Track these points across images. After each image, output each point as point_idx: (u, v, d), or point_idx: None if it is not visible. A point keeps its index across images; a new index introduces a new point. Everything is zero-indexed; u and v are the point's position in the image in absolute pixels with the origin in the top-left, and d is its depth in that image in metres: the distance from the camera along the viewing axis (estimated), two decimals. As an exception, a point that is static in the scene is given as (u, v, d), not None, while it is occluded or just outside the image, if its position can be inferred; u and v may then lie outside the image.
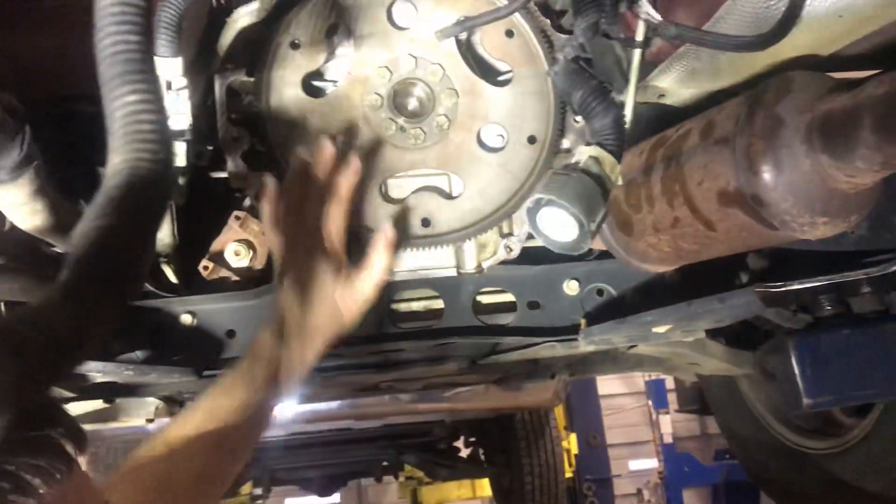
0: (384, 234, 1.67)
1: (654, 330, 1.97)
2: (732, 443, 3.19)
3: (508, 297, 2.09)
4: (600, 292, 2.09)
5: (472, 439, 6.79)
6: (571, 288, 2.06)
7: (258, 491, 8.04)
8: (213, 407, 1.48)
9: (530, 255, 1.96)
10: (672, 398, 12.87)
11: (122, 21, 0.82)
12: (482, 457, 6.72)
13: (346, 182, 1.65)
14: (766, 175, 1.30)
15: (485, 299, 2.11)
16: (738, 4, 1.31)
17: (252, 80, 1.76)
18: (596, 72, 1.38)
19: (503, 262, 1.90)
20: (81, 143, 1.79)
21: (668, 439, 13.33)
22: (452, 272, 1.85)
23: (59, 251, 1.49)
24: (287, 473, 6.99)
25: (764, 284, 1.57)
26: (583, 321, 2.05)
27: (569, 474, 7.92)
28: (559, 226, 1.24)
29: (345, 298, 1.63)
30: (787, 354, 1.84)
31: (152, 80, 0.85)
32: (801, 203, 1.29)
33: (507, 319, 2.07)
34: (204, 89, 1.79)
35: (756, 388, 2.93)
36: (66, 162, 1.84)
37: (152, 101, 0.84)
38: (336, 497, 10.55)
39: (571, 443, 9.04)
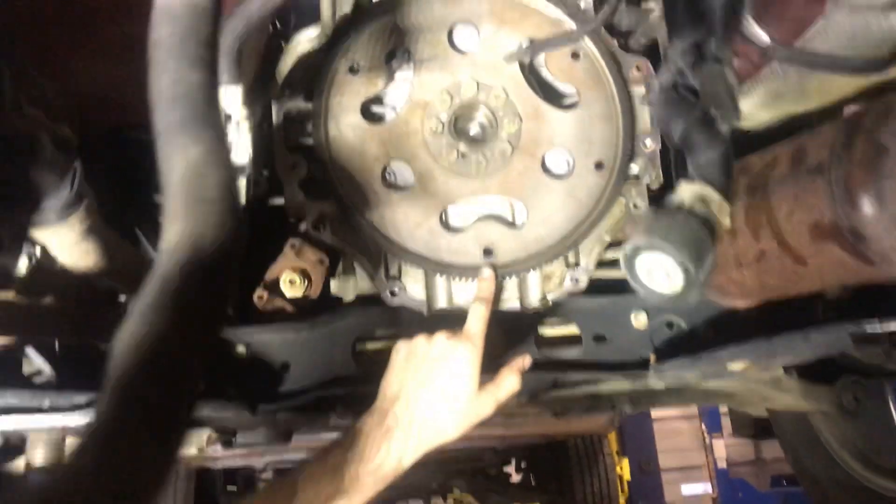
0: (523, 360, 1.64)
1: (730, 367, 1.85)
2: (804, 480, 3.02)
3: (573, 330, 1.99)
4: (670, 325, 1.98)
5: (524, 465, 6.65)
6: (640, 320, 1.95)
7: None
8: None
9: (595, 285, 1.87)
10: (725, 422, 12.50)
11: (184, 56, 0.71)
12: (534, 483, 6.57)
13: (490, 283, 1.65)
14: (867, 208, 1.18)
15: (547, 331, 2.01)
16: (833, 22, 1.21)
17: (310, 106, 1.71)
18: (702, 99, 1.26)
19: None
20: (141, 172, 1.76)
21: (721, 464, 12.94)
22: (515, 305, 1.77)
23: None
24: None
25: (857, 322, 1.45)
26: (652, 356, 1.94)
27: (622, 501, 7.71)
28: (662, 275, 1.14)
29: (465, 411, 1.54)
30: (884, 400, 1.71)
31: (219, 127, 0.72)
32: (906, 238, 1.17)
33: (571, 353, 1.97)
34: (261, 116, 1.74)
35: (832, 424, 2.76)
36: (124, 192, 1.81)
37: (219, 152, 0.70)
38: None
39: (624, 468, 8.82)
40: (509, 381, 1.59)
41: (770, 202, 1.34)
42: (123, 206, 1.78)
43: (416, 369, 1.56)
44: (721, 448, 12.65)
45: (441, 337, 1.58)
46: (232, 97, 1.12)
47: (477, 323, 1.60)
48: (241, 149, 1.17)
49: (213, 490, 5.75)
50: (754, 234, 1.40)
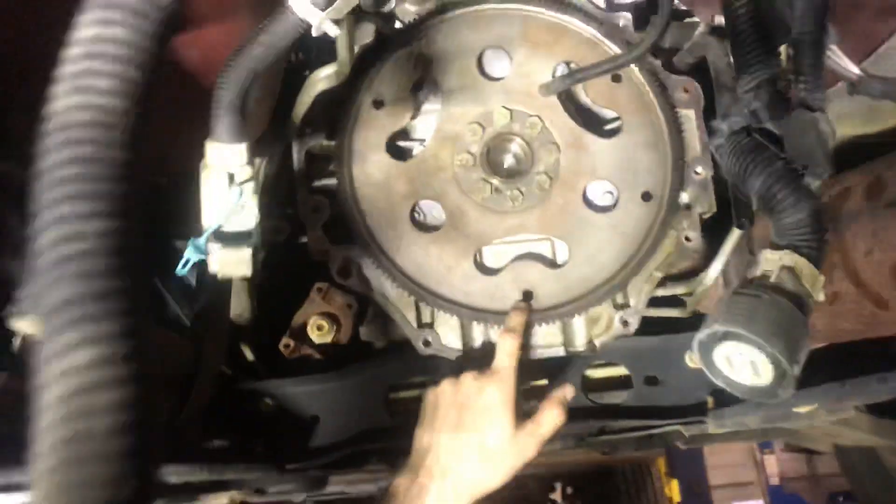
0: (563, 390, 1.50)
1: (797, 410, 1.70)
2: (876, 518, 2.82)
3: (622, 371, 1.85)
4: (728, 364, 1.82)
5: (570, 492, 6.47)
6: (695, 361, 1.79)
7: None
8: None
9: (646, 322, 1.72)
10: (778, 437, 12.11)
11: (79, 193, 0.51)
12: (580, 510, 6.40)
13: (520, 315, 1.53)
14: (963, 247, 1.03)
15: (595, 373, 1.87)
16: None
17: (333, 144, 1.60)
18: (788, 151, 1.08)
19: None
20: (151, 214, 1.67)
21: (774, 481, 12.54)
22: (560, 352, 1.63)
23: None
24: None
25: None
26: (710, 399, 1.79)
27: (672, 524, 7.48)
28: (745, 365, 0.98)
29: (503, 457, 1.41)
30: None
31: (130, 314, 0.51)
32: None
33: (620, 398, 1.83)
34: (281, 156, 1.64)
35: (904, 459, 2.57)
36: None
37: (123, 360, 0.51)
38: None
39: (673, 490, 8.56)
40: (551, 416, 1.45)
41: (845, 239, 1.19)
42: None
43: (444, 418, 1.44)
44: (773, 464, 12.26)
45: (467, 379, 1.45)
46: (236, 157, 1.02)
47: (506, 358, 1.47)
48: (247, 214, 1.05)
49: (254, 522, 5.65)
50: (825, 274, 1.24)
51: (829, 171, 1.06)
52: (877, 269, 1.15)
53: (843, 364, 1.64)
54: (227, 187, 1.03)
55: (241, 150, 1.02)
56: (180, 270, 1.04)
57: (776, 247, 1.03)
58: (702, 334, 0.99)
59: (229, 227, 1.06)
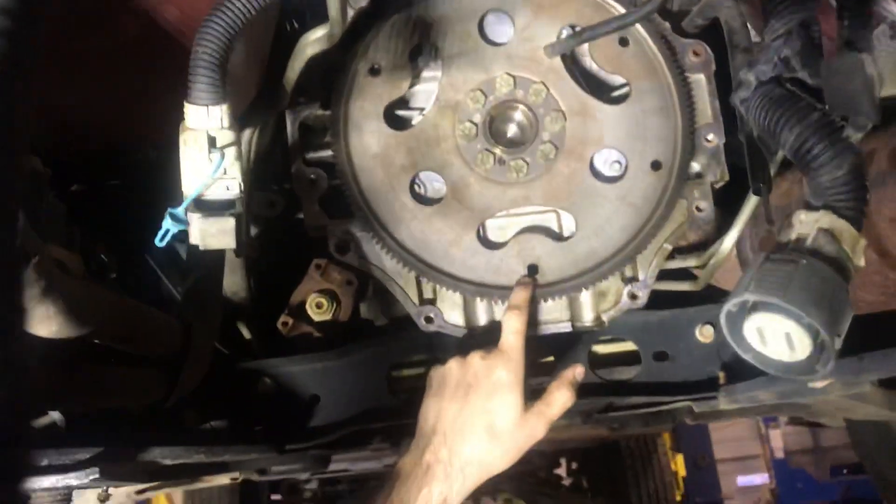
0: (574, 370, 1.46)
1: (812, 385, 1.64)
2: (888, 494, 2.78)
3: (630, 347, 1.79)
4: (740, 338, 1.77)
5: (575, 467, 6.45)
6: (705, 334, 1.74)
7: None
8: None
9: (654, 296, 1.66)
10: (782, 410, 12.13)
11: None
12: (586, 485, 6.37)
13: (524, 291, 1.48)
14: None
15: (602, 349, 1.81)
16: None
17: (328, 113, 1.53)
18: (828, 99, 0.98)
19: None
20: (146, 193, 1.61)
21: (778, 454, 12.58)
22: (567, 327, 1.57)
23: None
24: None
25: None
26: (721, 374, 1.73)
27: (678, 497, 7.47)
28: (779, 339, 0.90)
29: (511, 438, 1.37)
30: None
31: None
32: None
33: (629, 374, 1.77)
34: (275, 127, 1.58)
35: (917, 432, 2.53)
36: (132, 219, 1.66)
37: None
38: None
39: (678, 464, 8.56)
40: (560, 397, 1.42)
41: (868, 205, 1.12)
42: (131, 237, 1.63)
43: (451, 398, 1.40)
44: (778, 437, 12.30)
45: (475, 358, 1.40)
46: (215, 119, 0.95)
47: (513, 336, 1.42)
48: (230, 181, 0.99)
49: (258, 499, 5.66)
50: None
51: (876, 120, 0.99)
52: (903, 237, 1.09)
53: (860, 337, 1.58)
54: (208, 152, 0.97)
55: (221, 111, 0.96)
56: (158, 242, 0.98)
57: (812, 207, 0.96)
58: (730, 304, 0.90)
59: (211, 196, 1.00)
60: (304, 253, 1.84)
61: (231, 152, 0.98)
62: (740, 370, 1.74)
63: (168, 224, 0.98)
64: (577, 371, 1.46)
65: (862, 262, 0.90)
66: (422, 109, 1.59)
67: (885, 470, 2.73)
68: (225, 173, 0.99)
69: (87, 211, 1.65)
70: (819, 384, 1.64)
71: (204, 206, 1.00)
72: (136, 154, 1.63)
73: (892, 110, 1.30)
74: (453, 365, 1.42)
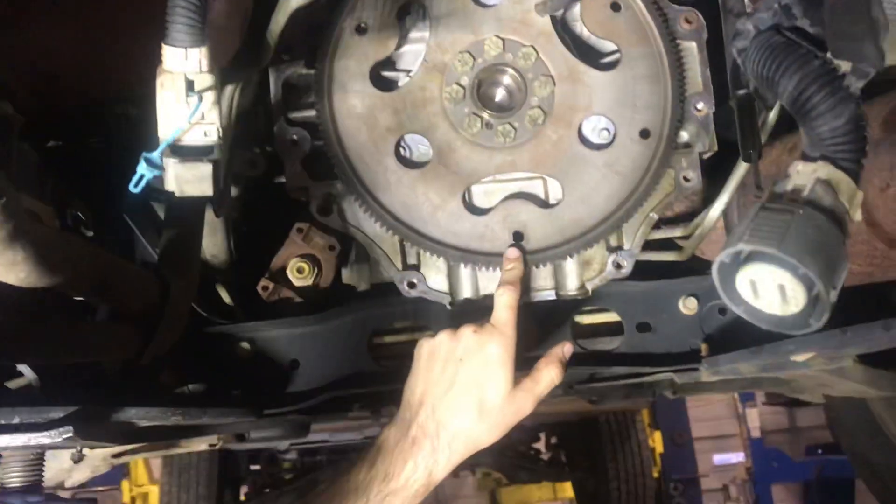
0: (562, 348, 1.45)
1: (794, 358, 1.63)
2: (863, 470, 2.81)
3: (613, 317, 1.78)
4: (723, 311, 1.76)
5: (554, 441, 6.49)
6: (689, 306, 1.74)
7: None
8: None
9: (638, 267, 1.65)
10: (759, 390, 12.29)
11: None
12: (564, 460, 6.42)
13: (517, 267, 1.48)
14: None
15: (585, 319, 1.80)
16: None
17: (312, 72, 1.50)
18: (830, 45, 0.95)
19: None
20: (129, 151, 1.57)
21: (755, 433, 12.73)
22: (550, 295, 1.56)
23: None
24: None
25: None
26: (703, 346, 1.73)
27: (655, 474, 7.56)
28: (772, 291, 0.88)
29: (499, 414, 1.36)
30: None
31: None
32: None
33: (612, 344, 1.76)
34: (258, 85, 1.54)
35: (893, 410, 2.54)
36: (113, 174, 1.62)
37: None
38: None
39: (656, 441, 8.66)
40: (548, 374, 1.41)
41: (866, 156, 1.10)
42: (110, 195, 1.59)
43: (441, 371, 1.38)
44: (755, 417, 12.44)
45: (467, 332, 1.38)
46: (194, 62, 0.91)
47: (505, 311, 1.41)
48: (208, 126, 0.96)
49: (237, 469, 5.67)
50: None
51: (880, 66, 0.96)
52: (892, 205, 1.08)
53: (844, 310, 1.58)
54: (185, 96, 0.93)
55: (200, 54, 0.92)
56: (132, 187, 0.95)
57: (809, 158, 0.94)
58: (724, 255, 0.87)
59: (188, 141, 0.97)
60: (286, 217, 1.81)
61: (209, 97, 0.95)
62: (722, 342, 1.74)
63: (143, 169, 0.94)
64: (566, 349, 1.45)
65: (859, 216, 0.89)
66: (408, 71, 1.56)
67: (861, 447, 2.75)
68: (203, 118, 0.96)
69: (64, 167, 1.61)
70: (801, 357, 1.64)
71: (180, 152, 0.97)
72: (117, 111, 1.59)
73: (885, 81, 1.29)
74: (444, 338, 1.40)
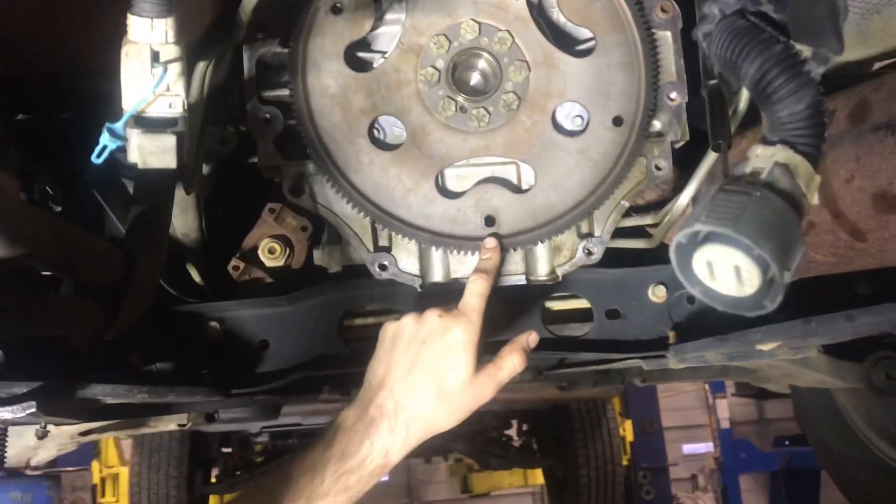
0: (528, 336, 1.44)
1: (759, 347, 1.66)
2: (826, 459, 2.85)
3: (583, 304, 1.80)
4: (691, 300, 1.79)
5: (525, 428, 6.53)
6: (658, 294, 1.76)
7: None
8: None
9: (608, 254, 1.66)
10: (730, 381, 12.44)
11: None
12: (535, 446, 6.46)
13: (492, 257, 1.47)
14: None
15: (555, 305, 1.82)
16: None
17: (286, 51, 1.49)
18: (791, 30, 0.96)
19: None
20: (91, 125, 1.55)
21: (725, 424, 12.89)
22: (521, 280, 1.57)
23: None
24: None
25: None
26: (671, 334, 1.75)
27: (624, 462, 7.63)
28: (728, 272, 0.88)
29: (459, 399, 1.36)
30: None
31: None
32: None
33: (581, 330, 1.78)
34: (232, 63, 1.53)
35: (858, 401, 2.59)
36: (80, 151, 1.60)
37: None
38: (385, 475, 10.41)
39: (627, 429, 8.74)
40: (511, 362, 1.41)
41: (824, 165, 1.12)
42: (78, 171, 1.57)
43: (403, 353, 1.37)
44: (724, 408, 12.60)
45: (432, 315, 1.38)
46: (159, 32, 0.90)
47: (474, 298, 1.41)
48: (174, 98, 0.95)
49: (209, 451, 5.64)
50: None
51: (839, 51, 0.97)
52: (857, 196, 1.09)
53: (808, 302, 1.60)
54: (150, 66, 0.92)
55: (166, 25, 0.91)
56: (95, 158, 0.94)
57: (769, 142, 0.95)
58: (681, 235, 0.87)
59: (153, 113, 0.96)
60: (258, 197, 1.81)
61: (175, 68, 0.94)
62: (690, 330, 1.76)
63: (105, 140, 0.93)
64: (531, 338, 1.45)
65: (816, 200, 0.90)
66: (384, 52, 1.55)
67: (824, 437, 2.80)
68: (168, 90, 0.95)
69: (33, 142, 1.59)
70: (767, 346, 1.66)
71: (144, 123, 0.96)
72: (87, 86, 1.57)
73: (852, 75, 1.30)
74: (409, 321, 1.39)
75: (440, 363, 1.35)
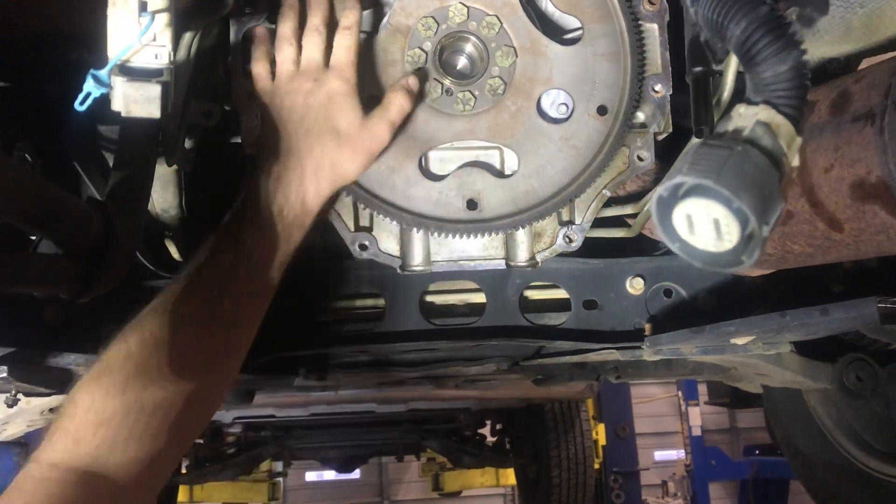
0: (407, 79, 1.47)
1: (734, 341, 1.68)
2: (794, 460, 2.88)
3: (561, 294, 1.81)
4: (668, 293, 1.81)
5: (499, 427, 6.55)
6: (635, 286, 1.78)
7: (278, 467, 7.92)
8: (196, 277, 1.28)
9: (588, 244, 1.67)
10: (703, 390, 12.53)
11: None
12: (508, 446, 6.48)
13: (354, 11, 1.46)
14: (927, 164, 0.99)
15: (533, 295, 1.83)
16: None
17: (274, 27, 1.48)
18: None
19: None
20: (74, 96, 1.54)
21: (696, 432, 13.00)
22: (501, 265, 1.57)
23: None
24: (308, 451, 6.81)
25: (890, 298, 1.27)
26: (647, 326, 1.77)
27: (596, 465, 7.67)
28: (707, 227, 0.89)
29: (357, 140, 1.40)
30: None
31: None
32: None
33: (558, 320, 1.79)
34: (218, 37, 1.52)
35: (827, 403, 2.62)
36: (59, 115, 1.59)
37: None
38: (356, 473, 10.39)
39: (600, 433, 8.79)
40: (397, 100, 1.44)
41: (804, 155, 1.14)
42: (59, 141, 1.56)
43: (289, 114, 1.40)
44: (697, 416, 12.71)
45: (304, 77, 1.41)
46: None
47: (343, 52, 1.43)
48: (159, 49, 0.94)
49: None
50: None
51: (824, 11, 0.99)
52: (835, 186, 1.11)
53: (782, 295, 1.62)
54: (137, 14, 0.92)
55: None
56: (78, 105, 0.93)
57: (752, 102, 0.96)
58: (662, 189, 0.87)
59: (138, 63, 0.95)
60: (239, 180, 1.79)
61: (162, 18, 0.93)
62: (666, 323, 1.78)
63: (89, 87, 0.92)
64: (411, 80, 1.47)
65: (796, 161, 0.91)
66: (372, 32, 1.55)
67: (794, 437, 2.83)
68: (154, 40, 0.94)
69: (14, 110, 1.58)
70: (741, 340, 1.68)
71: (130, 72, 0.95)
72: (70, 55, 1.55)
73: (835, 70, 1.32)
74: (282, 91, 1.41)
75: (328, 113, 1.39)
